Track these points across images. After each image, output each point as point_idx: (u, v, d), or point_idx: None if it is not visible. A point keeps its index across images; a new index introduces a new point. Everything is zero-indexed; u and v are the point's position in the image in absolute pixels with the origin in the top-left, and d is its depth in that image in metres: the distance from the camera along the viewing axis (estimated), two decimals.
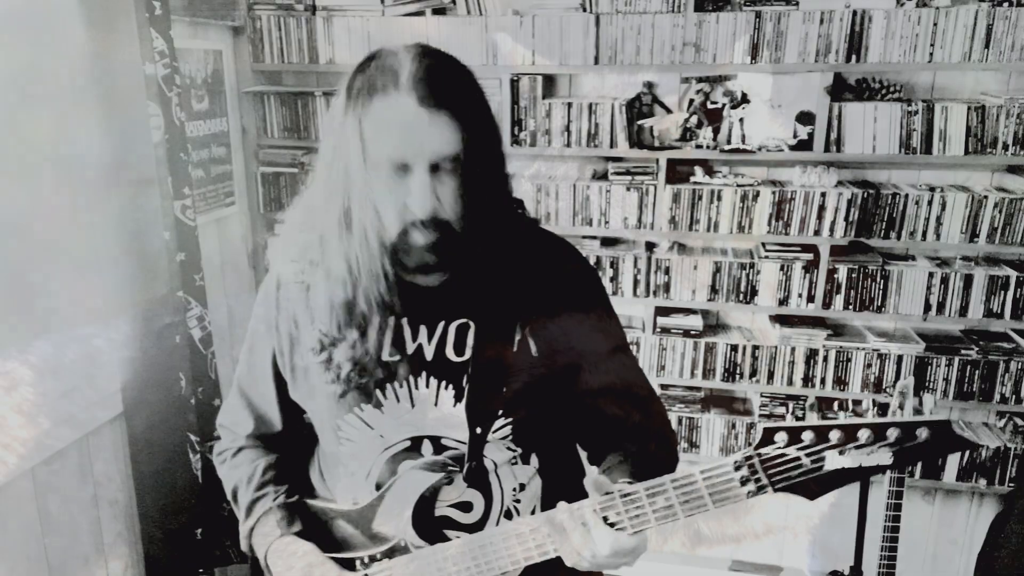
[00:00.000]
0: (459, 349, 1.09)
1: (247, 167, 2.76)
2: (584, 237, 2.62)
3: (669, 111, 2.53)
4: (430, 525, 1.11)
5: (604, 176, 2.59)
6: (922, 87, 2.43)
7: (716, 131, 2.49)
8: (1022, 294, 2.38)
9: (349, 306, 1.07)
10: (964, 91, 2.42)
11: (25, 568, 1.78)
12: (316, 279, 1.13)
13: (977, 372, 2.43)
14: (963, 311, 2.42)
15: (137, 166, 2.00)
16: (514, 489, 1.13)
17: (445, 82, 0.98)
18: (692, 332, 2.60)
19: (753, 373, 2.59)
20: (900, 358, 2.47)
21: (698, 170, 2.58)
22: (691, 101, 2.50)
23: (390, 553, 1.13)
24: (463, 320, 1.10)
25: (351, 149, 0.99)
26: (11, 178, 1.75)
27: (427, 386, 1.09)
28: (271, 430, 1.27)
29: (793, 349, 2.53)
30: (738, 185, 2.48)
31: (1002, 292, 2.39)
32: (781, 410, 2.61)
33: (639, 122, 2.52)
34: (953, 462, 2.51)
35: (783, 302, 2.52)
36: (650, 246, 2.62)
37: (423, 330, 1.10)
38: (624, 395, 1.16)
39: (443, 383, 1.09)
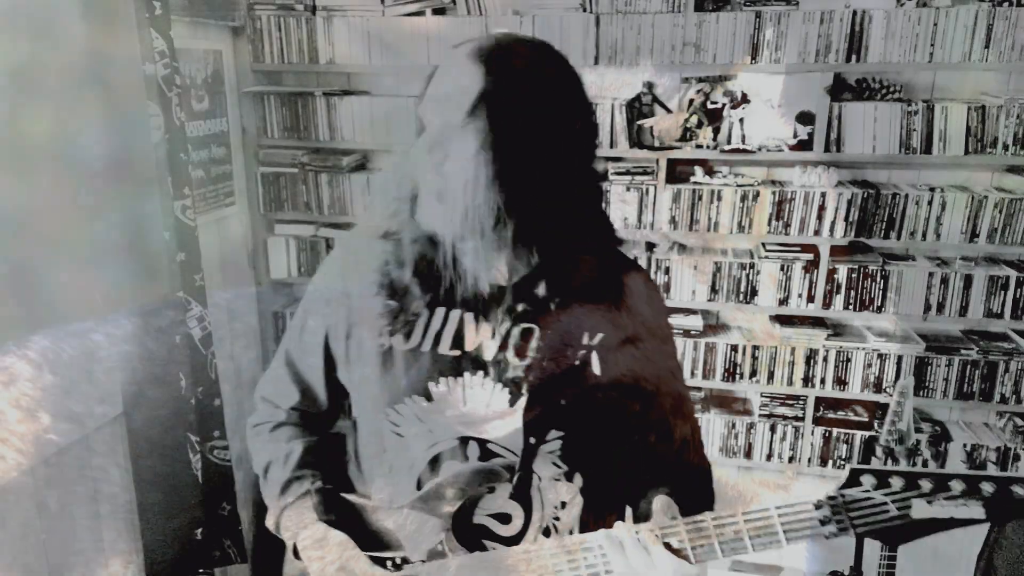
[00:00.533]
0: (520, 353, 1.06)
1: (247, 167, 2.76)
2: None
3: (669, 111, 2.53)
4: (468, 531, 1.08)
5: (604, 176, 2.59)
6: (922, 87, 2.43)
7: (716, 131, 2.49)
8: (1022, 294, 2.38)
9: (420, 281, 1.06)
10: (964, 91, 2.41)
11: (24, 567, 1.78)
12: (396, 251, 1.10)
13: (977, 372, 2.43)
14: (963, 311, 2.42)
15: (137, 166, 2.00)
16: (555, 507, 1.10)
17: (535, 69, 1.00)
18: (692, 332, 2.60)
19: (753, 373, 2.59)
20: (900, 358, 2.47)
21: (698, 170, 2.58)
22: (691, 101, 2.50)
23: (429, 556, 1.08)
24: (529, 325, 1.06)
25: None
26: (11, 178, 1.74)
27: (482, 386, 1.06)
28: (315, 407, 1.23)
29: (793, 349, 2.53)
30: (738, 185, 2.48)
31: (1002, 292, 2.39)
32: (782, 410, 2.61)
33: (639, 122, 2.52)
34: (953, 462, 2.51)
35: (783, 302, 2.52)
36: (650, 246, 2.61)
37: (485, 327, 1.07)
38: (675, 435, 1.13)
39: (499, 385, 1.06)
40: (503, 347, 1.06)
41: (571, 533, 1.10)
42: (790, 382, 2.57)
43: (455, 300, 1.06)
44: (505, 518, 1.08)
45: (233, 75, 2.67)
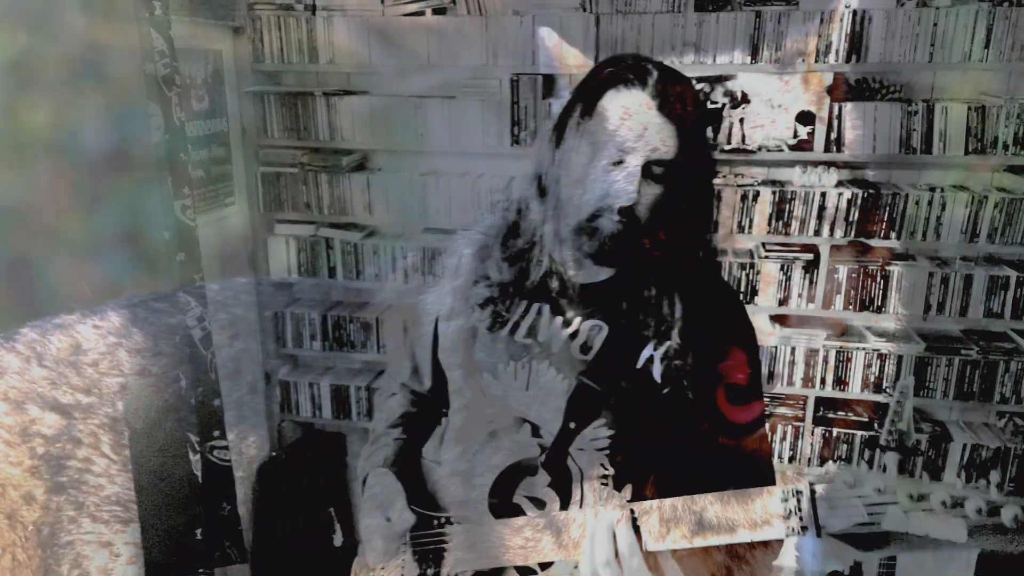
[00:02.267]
0: (584, 349, 1.14)
1: (247, 167, 2.76)
2: None
3: None
4: (506, 507, 1.15)
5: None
6: (922, 87, 2.43)
7: (716, 131, 2.49)
8: (1022, 294, 2.38)
9: (510, 274, 1.17)
10: (964, 91, 2.41)
11: (13, 559, 1.78)
12: (497, 244, 1.23)
13: (977, 372, 2.43)
14: (963, 311, 2.42)
15: (137, 166, 2.00)
16: (591, 504, 1.13)
17: (679, 95, 1.10)
18: None
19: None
20: (900, 358, 2.47)
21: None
22: None
23: (460, 521, 1.19)
24: (598, 322, 1.13)
25: (569, 129, 1.11)
26: (11, 178, 1.74)
27: (547, 374, 1.14)
28: (420, 387, 1.37)
29: (793, 349, 2.53)
30: (738, 185, 2.48)
31: (1002, 292, 2.39)
32: (782, 410, 2.61)
33: None
34: (953, 462, 2.51)
35: (783, 302, 2.52)
36: None
37: (559, 320, 1.15)
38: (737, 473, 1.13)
39: (560, 375, 1.13)
40: (571, 340, 1.14)
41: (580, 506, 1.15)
42: (790, 382, 2.57)
43: (538, 293, 1.16)
44: (540, 504, 1.15)
45: (233, 75, 2.66)
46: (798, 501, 0.89)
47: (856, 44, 2.31)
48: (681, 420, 1.12)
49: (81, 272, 1.93)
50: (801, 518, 0.89)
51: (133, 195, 2.00)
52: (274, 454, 2.87)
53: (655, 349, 1.12)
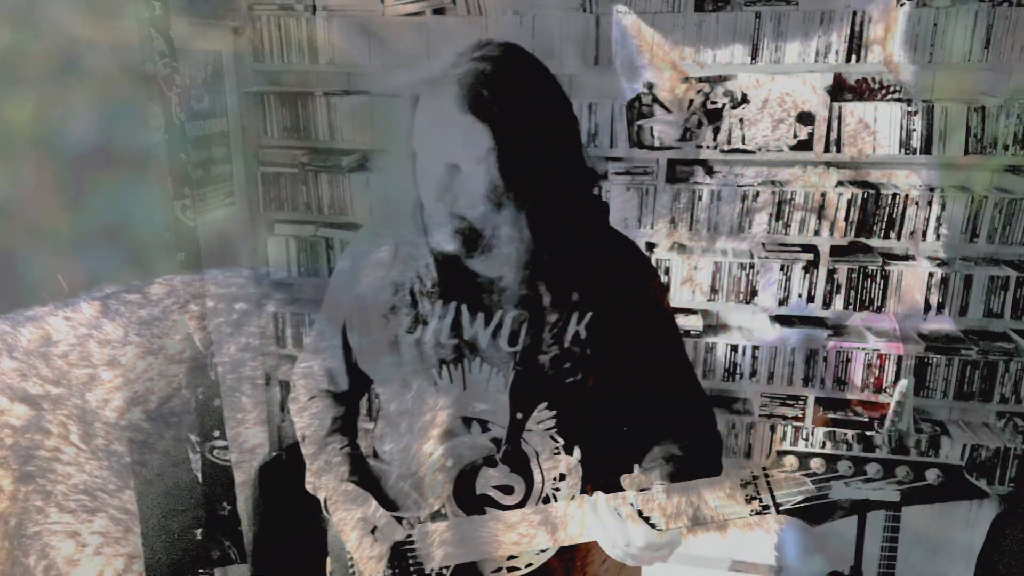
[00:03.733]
0: (512, 340, 1.16)
1: (247, 167, 2.76)
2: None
3: (669, 111, 2.53)
4: (471, 500, 1.19)
5: (604, 176, 2.59)
6: (922, 87, 2.43)
7: (716, 131, 2.49)
8: (1022, 294, 2.38)
9: (411, 285, 1.18)
10: (964, 91, 2.41)
11: (24, 567, 1.78)
12: (389, 255, 1.24)
13: (977, 372, 2.43)
14: (963, 311, 2.42)
15: (137, 166, 2.00)
16: (555, 478, 1.19)
17: (485, 86, 1.06)
18: (692, 332, 2.60)
19: (753, 373, 2.59)
20: (900, 358, 2.47)
21: (698, 170, 2.58)
22: (691, 101, 2.50)
23: (432, 518, 1.22)
24: (520, 311, 1.15)
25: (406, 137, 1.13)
26: (10, 177, 1.74)
27: (480, 371, 1.16)
28: (339, 389, 1.38)
29: (793, 349, 2.53)
30: (738, 185, 2.48)
31: (1002, 292, 2.39)
32: (782, 410, 2.61)
33: (639, 122, 2.52)
34: (953, 462, 2.51)
35: (783, 302, 2.52)
36: (650, 246, 2.61)
37: (480, 317, 1.17)
38: (671, 398, 1.22)
39: (494, 370, 1.16)
40: (496, 334, 1.16)
41: (572, 499, 1.19)
42: (790, 382, 2.57)
43: (454, 293, 1.17)
44: (508, 489, 1.19)
45: (233, 75, 2.67)
46: (755, 485, 0.97)
47: (856, 44, 2.32)
48: (615, 385, 1.17)
49: (82, 275, 1.93)
50: (760, 499, 0.98)
51: (133, 196, 2.00)
52: (274, 454, 2.87)
53: (579, 322, 1.14)
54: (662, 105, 2.54)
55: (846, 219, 2.42)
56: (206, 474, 2.20)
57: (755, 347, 2.56)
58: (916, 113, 2.34)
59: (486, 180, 1.08)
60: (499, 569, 1.19)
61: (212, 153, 2.54)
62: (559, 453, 1.18)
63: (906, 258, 2.50)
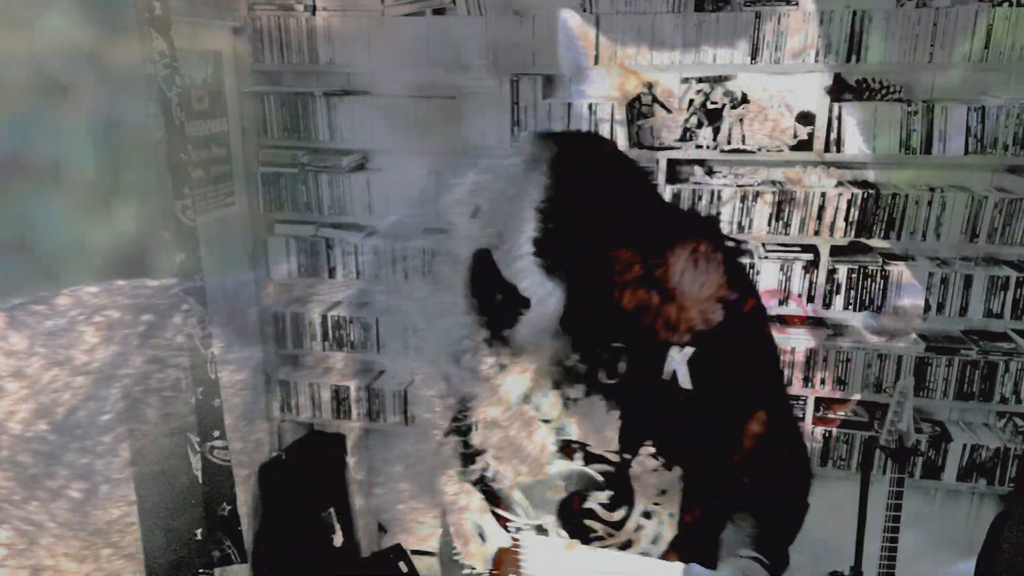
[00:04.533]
0: (610, 372, 1.18)
1: (247, 167, 2.76)
2: None
3: (669, 111, 2.53)
4: (573, 515, 1.24)
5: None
6: (922, 87, 2.43)
7: (716, 131, 2.49)
8: (1022, 294, 2.38)
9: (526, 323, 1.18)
10: (964, 91, 2.41)
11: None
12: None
13: (977, 372, 2.43)
14: (963, 311, 2.42)
15: (137, 166, 2.00)
16: (656, 493, 1.22)
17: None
18: None
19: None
20: (900, 358, 2.47)
21: (698, 170, 2.58)
22: (691, 101, 2.50)
23: (536, 531, 1.27)
24: (618, 344, 1.17)
25: None
26: (11, 176, 1.75)
27: (581, 398, 1.20)
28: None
29: (793, 349, 2.53)
30: (738, 185, 2.48)
31: (1002, 292, 2.39)
32: None
33: (639, 122, 2.52)
34: (953, 462, 2.51)
35: (783, 302, 2.52)
36: None
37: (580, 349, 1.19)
38: (769, 451, 1.23)
39: (596, 397, 1.19)
40: (595, 366, 1.18)
41: (671, 516, 1.23)
42: (790, 382, 2.57)
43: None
44: (611, 506, 1.23)
45: (233, 75, 2.66)
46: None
47: (856, 44, 2.31)
48: (715, 419, 1.18)
49: (82, 275, 1.93)
50: None
51: (133, 197, 2.00)
52: (274, 454, 2.87)
53: (680, 355, 1.15)
54: (662, 105, 2.54)
55: (846, 219, 2.42)
56: (206, 474, 2.20)
57: None
58: (916, 113, 2.34)
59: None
60: None
61: (212, 153, 2.54)
62: (659, 470, 1.20)
63: (906, 258, 2.50)
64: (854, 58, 2.32)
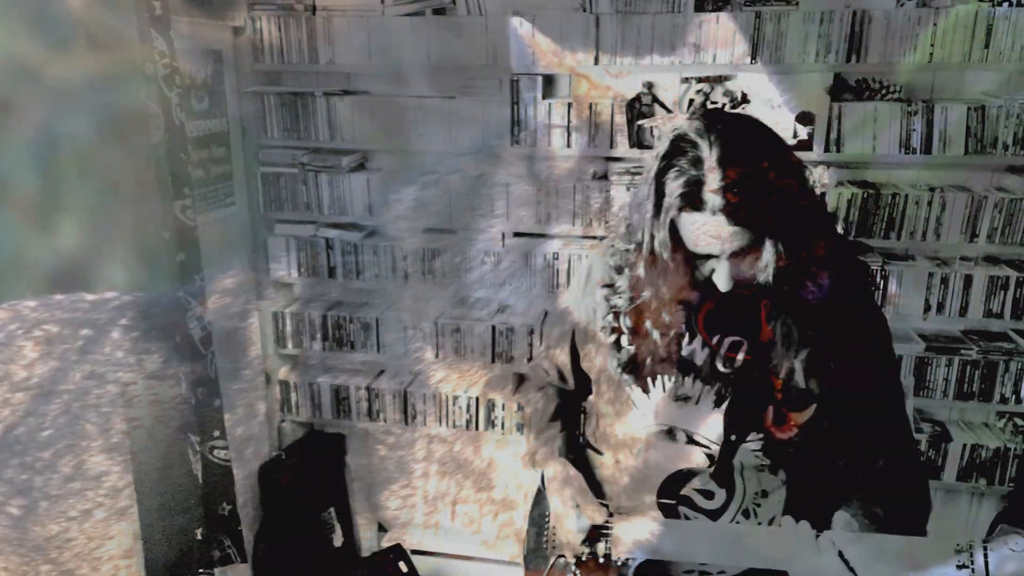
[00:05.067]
0: (727, 362, 1.21)
1: (247, 167, 2.76)
2: (584, 237, 2.62)
3: (669, 111, 2.53)
4: (672, 499, 1.26)
5: (604, 176, 2.59)
6: (922, 87, 2.43)
7: None
8: (1022, 294, 2.38)
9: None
10: (964, 91, 2.41)
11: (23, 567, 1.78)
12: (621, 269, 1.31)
13: (977, 372, 2.43)
14: (963, 311, 2.42)
15: (137, 166, 2.00)
16: (756, 493, 1.23)
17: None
18: None
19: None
20: (900, 358, 2.47)
21: None
22: (691, 101, 2.50)
23: (631, 511, 1.29)
24: (737, 338, 1.20)
25: None
26: (9, 177, 1.74)
27: (692, 386, 1.22)
28: (567, 386, 1.52)
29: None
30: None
31: (1002, 292, 2.39)
32: None
33: (639, 122, 2.52)
34: (953, 462, 2.51)
35: None
36: None
37: (698, 338, 1.22)
38: (883, 448, 1.25)
39: (707, 387, 1.21)
40: (713, 356, 1.21)
41: (771, 521, 1.23)
42: None
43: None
44: (709, 494, 1.25)
45: (233, 75, 2.66)
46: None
47: (856, 44, 2.31)
48: (825, 423, 1.19)
49: (82, 275, 1.92)
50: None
51: (133, 197, 2.00)
52: (274, 454, 2.87)
53: (796, 356, 1.16)
54: (662, 105, 2.54)
55: (846, 219, 2.42)
56: (206, 474, 2.20)
57: None
58: (916, 113, 2.34)
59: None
60: (691, 571, 1.23)
61: (212, 153, 2.54)
62: (764, 471, 1.21)
63: (906, 258, 2.50)
64: (854, 58, 2.32)
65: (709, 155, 1.07)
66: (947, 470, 2.53)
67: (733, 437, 1.20)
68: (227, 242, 2.67)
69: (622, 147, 2.52)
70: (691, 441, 1.23)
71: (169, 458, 2.15)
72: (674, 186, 1.10)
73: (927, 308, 2.44)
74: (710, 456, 1.21)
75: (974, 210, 2.35)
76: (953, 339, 2.51)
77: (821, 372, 1.16)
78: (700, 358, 1.22)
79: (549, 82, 2.58)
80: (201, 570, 2.26)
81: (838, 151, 2.42)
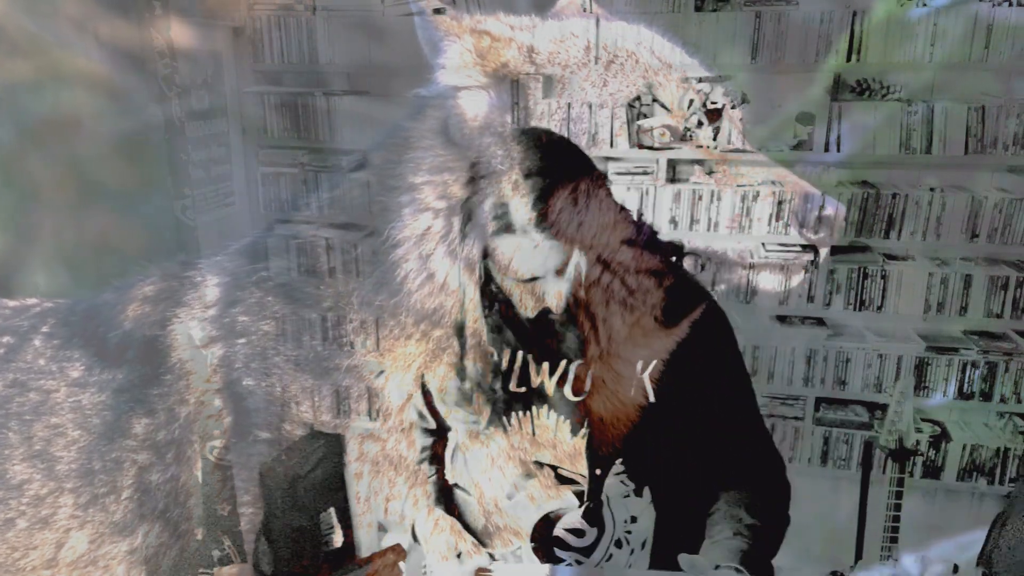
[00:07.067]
0: (576, 389, 1.22)
1: (247, 167, 2.76)
2: None
3: (669, 111, 2.53)
4: (545, 541, 1.25)
5: (604, 176, 2.58)
6: (922, 87, 2.43)
7: (716, 131, 2.49)
8: (1022, 294, 2.38)
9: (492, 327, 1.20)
10: (964, 91, 2.41)
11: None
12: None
13: (977, 372, 2.43)
14: (963, 311, 2.42)
15: (137, 166, 2.00)
16: (626, 520, 1.22)
17: None
18: None
19: (753, 373, 2.58)
20: (900, 358, 2.47)
21: (698, 170, 2.57)
22: (691, 101, 2.50)
23: (505, 556, 1.28)
24: (582, 362, 1.16)
25: None
26: (10, 177, 1.75)
27: (547, 418, 1.21)
28: (428, 425, 1.49)
29: (793, 349, 2.53)
30: (738, 185, 2.48)
31: (1002, 292, 2.39)
32: (782, 410, 2.61)
33: (639, 122, 2.52)
34: (953, 462, 2.51)
35: (783, 302, 2.52)
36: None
37: (546, 366, 1.22)
38: (739, 442, 1.23)
39: (560, 417, 1.20)
40: (560, 384, 1.22)
41: (643, 546, 1.23)
42: (790, 382, 2.57)
43: (521, 341, 1.15)
44: (579, 532, 1.24)
45: (233, 75, 2.66)
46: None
47: (856, 44, 2.31)
48: (682, 431, 1.17)
49: (81, 276, 1.93)
50: None
51: (133, 197, 2.00)
52: (274, 454, 2.86)
53: (644, 370, 1.15)
54: (662, 105, 2.54)
55: (846, 219, 2.41)
56: (206, 474, 2.20)
57: (755, 347, 2.56)
58: (916, 113, 2.34)
59: None
60: None
61: (212, 153, 2.54)
62: (630, 496, 1.20)
63: (906, 258, 2.50)
64: (854, 58, 2.32)
65: (510, 174, 1.08)
66: (947, 470, 2.54)
67: (599, 472, 1.18)
68: (227, 242, 2.67)
69: None
70: (558, 476, 1.22)
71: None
72: (482, 211, 1.09)
73: (927, 308, 2.44)
74: (578, 493, 1.20)
75: (974, 210, 2.35)
76: (953, 339, 2.51)
77: (670, 381, 1.16)
78: (550, 388, 1.21)
79: (549, 82, 2.58)
80: (201, 570, 2.26)
81: (838, 151, 2.42)
